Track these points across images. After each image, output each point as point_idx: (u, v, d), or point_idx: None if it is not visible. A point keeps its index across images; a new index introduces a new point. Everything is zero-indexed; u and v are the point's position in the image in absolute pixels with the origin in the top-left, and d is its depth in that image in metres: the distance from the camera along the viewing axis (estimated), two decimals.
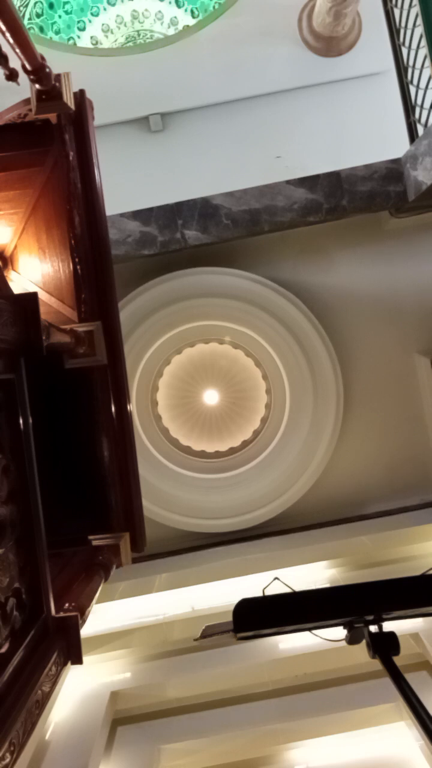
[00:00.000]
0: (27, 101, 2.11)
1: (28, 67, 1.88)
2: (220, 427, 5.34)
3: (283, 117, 5.48)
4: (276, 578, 1.92)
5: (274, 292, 4.95)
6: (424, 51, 3.76)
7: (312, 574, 4.07)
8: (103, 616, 3.93)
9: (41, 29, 7.14)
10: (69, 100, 2.07)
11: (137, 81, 5.36)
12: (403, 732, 2.93)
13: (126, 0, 7.55)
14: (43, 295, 2.26)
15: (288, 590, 1.73)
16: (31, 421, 1.48)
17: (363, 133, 5.35)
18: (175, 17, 7.68)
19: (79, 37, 7.57)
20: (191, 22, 7.39)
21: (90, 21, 7.57)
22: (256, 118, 5.48)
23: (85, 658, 1.53)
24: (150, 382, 5.22)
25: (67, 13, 7.39)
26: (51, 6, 7.24)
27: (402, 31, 4.15)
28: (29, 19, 7.07)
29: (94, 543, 2.05)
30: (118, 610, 4.01)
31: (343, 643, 1.60)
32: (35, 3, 7.10)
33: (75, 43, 7.46)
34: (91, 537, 2.06)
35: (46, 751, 2.93)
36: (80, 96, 2.17)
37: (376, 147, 4.76)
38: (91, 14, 7.55)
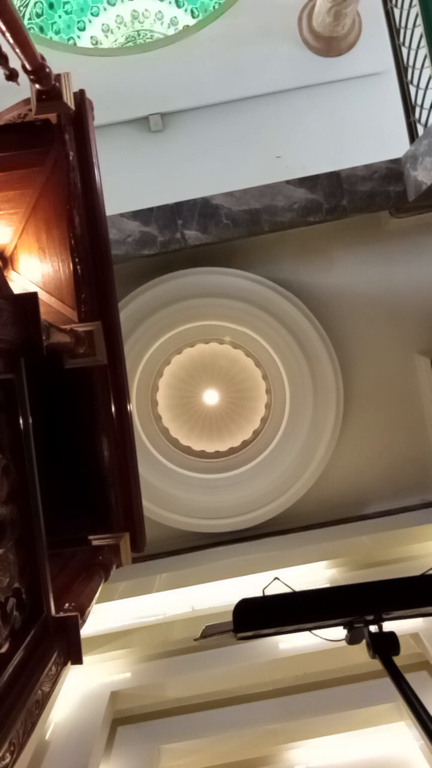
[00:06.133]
0: (27, 101, 2.11)
1: (28, 67, 1.88)
2: (220, 427, 5.34)
3: (283, 117, 5.48)
4: (276, 578, 1.92)
5: (274, 292, 4.95)
6: (424, 51, 3.76)
7: (312, 574, 4.07)
8: (103, 616, 3.93)
9: (41, 29, 7.14)
10: (69, 100, 2.06)
11: (137, 81, 5.36)
12: (403, 732, 2.92)
13: (126, 0, 7.55)
14: (43, 295, 2.25)
15: (288, 590, 1.73)
16: (31, 421, 1.48)
17: (363, 133, 5.35)
18: (175, 17, 7.68)
19: (79, 37, 7.57)
20: (191, 22, 7.39)
21: (90, 21, 7.57)
22: (256, 118, 5.49)
23: (85, 658, 1.53)
24: (150, 382, 5.22)
25: (67, 13, 7.39)
26: (51, 6, 7.24)
27: (402, 31, 4.15)
28: (29, 19, 7.07)
29: (94, 543, 2.05)
30: (118, 610, 4.01)
31: (343, 643, 1.60)
32: (35, 3, 7.10)
33: (75, 43, 7.46)
34: (91, 537, 2.06)
35: (46, 751, 2.93)
36: (80, 96, 2.17)
37: (376, 147, 4.76)
38: (91, 14, 7.55)
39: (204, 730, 3.10)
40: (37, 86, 2.00)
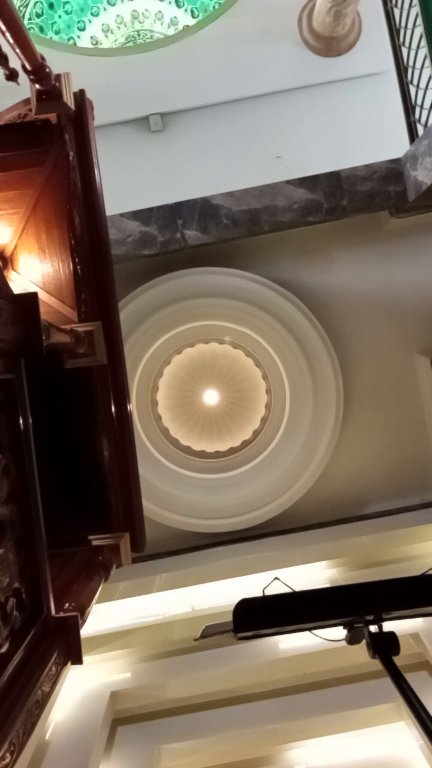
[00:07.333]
0: (27, 101, 2.11)
1: (28, 67, 1.88)
2: (220, 427, 5.34)
3: (283, 117, 5.48)
4: (276, 578, 1.92)
5: (274, 292, 4.95)
6: (424, 51, 3.76)
7: (312, 574, 4.07)
8: (103, 616, 3.93)
9: (41, 29, 7.14)
10: (69, 100, 2.06)
11: (137, 81, 5.36)
12: (403, 732, 2.92)
13: (126, 0, 7.55)
14: (43, 295, 2.25)
15: (288, 590, 1.73)
16: (31, 421, 1.48)
17: (363, 133, 5.35)
18: (175, 17, 7.68)
19: (79, 37, 7.56)
20: (191, 22, 7.39)
21: (90, 21, 7.57)
22: (256, 118, 5.49)
23: (85, 658, 1.53)
24: (150, 382, 5.22)
25: (67, 13, 7.39)
26: (51, 6, 7.24)
27: (402, 31, 4.15)
28: (29, 19, 7.07)
29: (94, 543, 2.05)
30: (118, 610, 4.01)
31: (343, 643, 1.60)
32: (35, 3, 7.10)
33: (75, 43, 7.46)
34: (91, 537, 2.06)
35: (46, 751, 2.93)
36: (80, 96, 2.17)
37: (376, 147, 4.76)
38: (91, 14, 7.55)
39: (204, 730, 3.10)
40: (37, 86, 2.00)
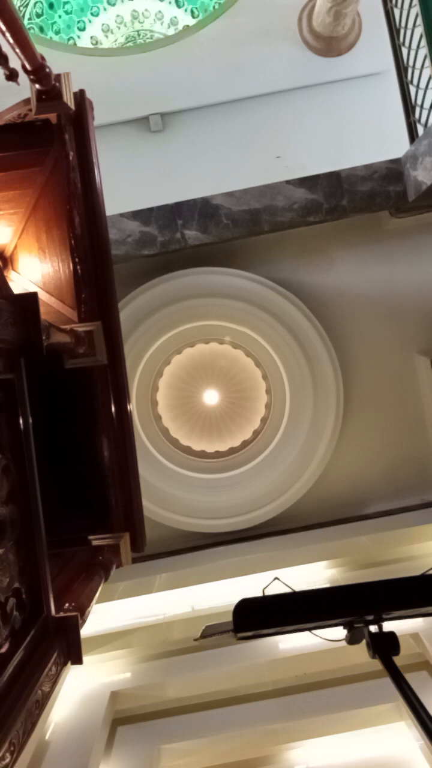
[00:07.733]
0: (27, 101, 2.11)
1: (28, 67, 1.88)
2: (220, 427, 5.34)
3: (283, 117, 5.48)
4: (276, 578, 1.92)
5: (274, 292, 4.95)
6: (424, 51, 3.76)
7: (312, 574, 4.07)
8: (103, 616, 3.93)
9: (41, 29, 7.14)
10: (69, 100, 2.06)
11: (137, 81, 5.37)
12: (403, 732, 2.92)
13: (126, 0, 7.55)
14: (43, 295, 2.25)
15: (288, 590, 1.73)
16: (31, 421, 1.48)
17: (363, 133, 5.36)
18: (175, 17, 7.68)
19: (79, 37, 7.57)
20: (191, 22, 7.39)
21: (90, 21, 7.57)
22: (256, 118, 5.49)
23: (85, 658, 1.53)
24: (150, 382, 5.22)
25: (67, 13, 7.39)
26: (51, 6, 7.24)
27: (402, 31, 4.15)
28: (29, 19, 7.07)
29: (94, 543, 2.05)
30: (118, 610, 4.01)
31: (343, 643, 1.60)
32: (35, 3, 7.10)
33: (75, 43, 7.46)
34: (91, 537, 2.06)
35: (46, 751, 2.93)
36: (80, 96, 2.17)
37: (376, 147, 4.76)
38: (91, 14, 7.55)
39: (204, 730, 3.10)
40: (37, 86, 2.00)
